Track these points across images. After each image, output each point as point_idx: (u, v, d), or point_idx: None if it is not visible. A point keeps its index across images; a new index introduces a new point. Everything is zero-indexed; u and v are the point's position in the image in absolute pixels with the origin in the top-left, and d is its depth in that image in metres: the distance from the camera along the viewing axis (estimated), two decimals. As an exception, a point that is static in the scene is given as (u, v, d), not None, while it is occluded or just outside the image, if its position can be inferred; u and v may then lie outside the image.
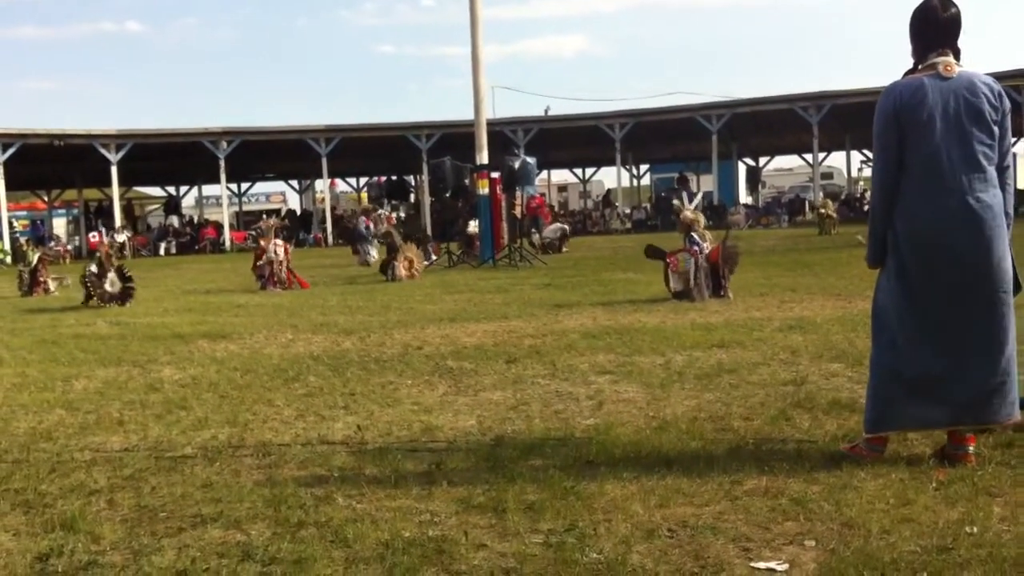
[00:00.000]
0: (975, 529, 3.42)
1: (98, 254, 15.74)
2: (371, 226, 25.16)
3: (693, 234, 12.20)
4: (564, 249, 25.49)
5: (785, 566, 3.20)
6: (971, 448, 4.25)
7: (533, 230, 27.25)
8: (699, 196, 19.08)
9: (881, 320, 4.39)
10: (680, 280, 11.86)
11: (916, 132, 4.21)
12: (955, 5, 4.34)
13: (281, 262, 16.83)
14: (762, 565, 3.22)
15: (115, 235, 34.76)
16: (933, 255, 4.22)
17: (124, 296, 14.87)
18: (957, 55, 4.31)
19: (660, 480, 4.13)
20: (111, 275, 15.00)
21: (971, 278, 4.20)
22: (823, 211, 29.28)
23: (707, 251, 12.00)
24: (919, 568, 3.10)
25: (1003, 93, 4.30)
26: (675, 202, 15.24)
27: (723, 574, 3.17)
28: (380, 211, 39.06)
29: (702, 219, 12.97)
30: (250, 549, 3.54)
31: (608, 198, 48.53)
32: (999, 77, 4.65)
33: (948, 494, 3.81)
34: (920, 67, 4.33)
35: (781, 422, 5.16)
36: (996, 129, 4.24)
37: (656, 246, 12.85)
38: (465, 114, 26.38)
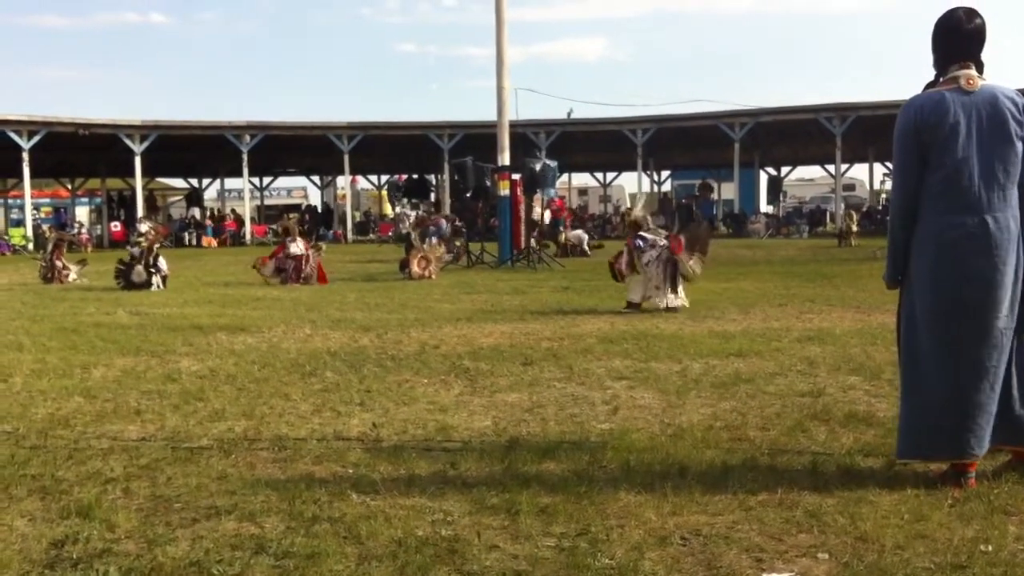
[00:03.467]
0: (990, 547, 3.40)
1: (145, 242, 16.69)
2: (443, 224, 25.67)
3: (642, 234, 11.81)
4: (589, 253, 25.48)
5: (798, 578, 3.19)
6: (972, 474, 4.15)
7: (562, 229, 27.25)
8: (643, 197, 18.82)
9: (910, 340, 4.30)
10: (636, 289, 11.53)
11: (937, 148, 4.12)
12: (980, 16, 4.22)
13: (303, 257, 16.92)
14: (775, 576, 3.21)
15: (137, 226, 34.95)
16: (947, 274, 4.13)
17: (143, 286, 15.96)
18: (980, 68, 4.20)
19: (674, 488, 4.12)
20: (139, 267, 16.01)
21: (977, 302, 4.10)
22: (849, 223, 29.20)
23: (663, 245, 11.57)
24: (933, 585, 3.08)
25: None
26: (626, 206, 15.08)
27: (735, 584, 3.17)
28: (400, 210, 39.17)
29: (649, 219, 12.75)
30: (264, 542, 3.56)
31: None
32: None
33: (963, 511, 3.79)
34: (941, 80, 4.23)
35: (797, 433, 5.15)
36: (1020, 145, 4.14)
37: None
38: (487, 115, 26.40)
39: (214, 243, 39.66)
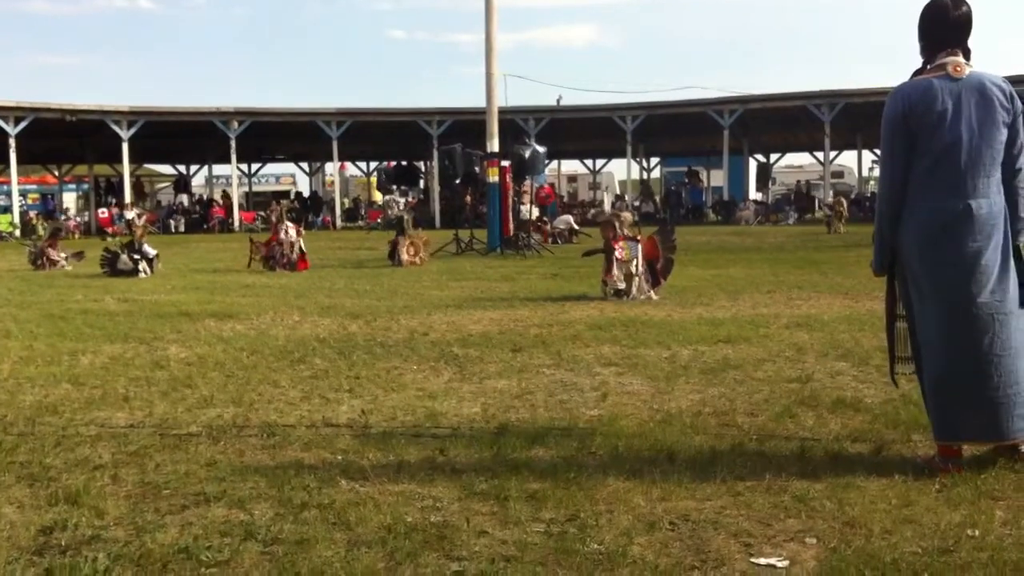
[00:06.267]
0: (977, 532, 3.42)
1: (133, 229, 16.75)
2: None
3: (625, 231, 11.80)
4: (575, 240, 25.48)
5: (786, 563, 3.21)
6: (959, 459, 4.17)
7: (544, 219, 27.24)
8: (607, 194, 18.85)
9: (915, 325, 4.31)
10: (622, 276, 11.37)
11: (925, 135, 4.14)
12: (966, 3, 4.24)
13: (292, 243, 16.89)
14: (763, 561, 3.22)
15: (124, 212, 34.77)
16: (935, 259, 4.15)
17: (129, 274, 15.91)
18: (967, 55, 4.22)
19: (662, 473, 4.13)
20: (123, 256, 16.07)
21: (964, 286, 4.11)
22: (839, 208, 29.21)
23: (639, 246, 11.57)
24: (920, 569, 3.10)
25: (1015, 94, 4.20)
26: (595, 210, 14.79)
27: (723, 569, 3.18)
28: (388, 198, 39.09)
29: (625, 220, 12.59)
30: (253, 529, 3.56)
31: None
32: (1014, 81, 4.59)
33: (951, 496, 3.81)
34: (929, 68, 4.25)
35: (785, 419, 5.16)
36: (1006, 131, 4.17)
37: (592, 248, 12.27)
38: (476, 101, 26.29)
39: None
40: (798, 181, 47.29)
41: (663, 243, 11.77)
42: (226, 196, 44.14)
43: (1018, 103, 4.20)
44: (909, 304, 4.32)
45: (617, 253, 11.51)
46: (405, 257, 17.55)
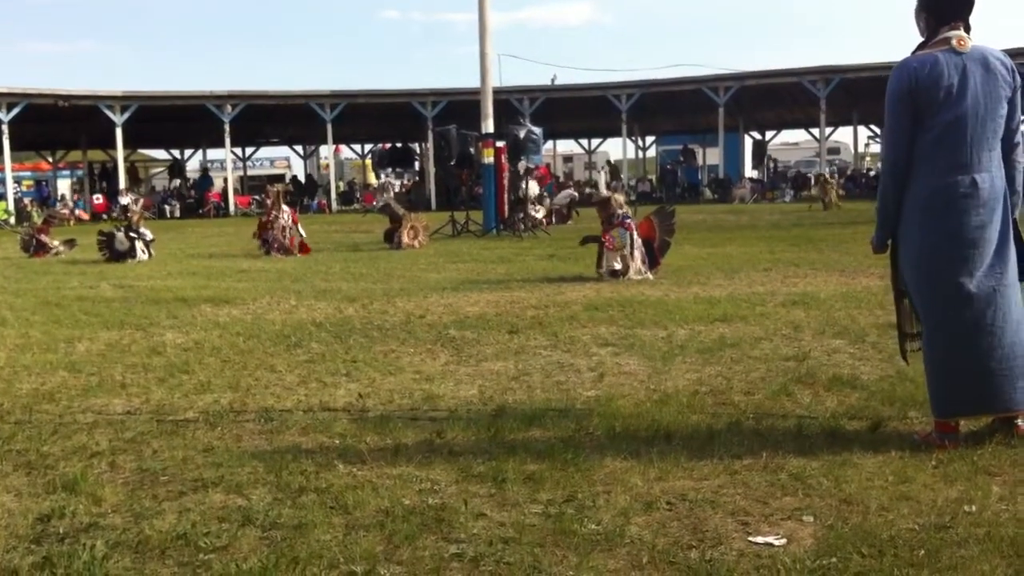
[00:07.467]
0: (974, 508, 3.43)
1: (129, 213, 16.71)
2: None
3: (620, 211, 11.77)
4: (571, 220, 25.40)
5: (783, 541, 3.21)
6: (956, 435, 4.17)
7: (545, 194, 27.18)
8: (603, 175, 18.81)
9: (923, 300, 4.32)
10: (617, 257, 11.33)
11: (931, 109, 4.13)
12: None
13: (284, 227, 16.84)
14: (760, 539, 3.23)
15: (119, 198, 34.69)
16: (938, 234, 4.15)
17: (124, 256, 15.90)
18: (968, 30, 4.22)
19: (660, 453, 4.14)
20: (119, 235, 16.02)
21: (966, 260, 4.11)
22: (827, 188, 29.10)
23: (635, 226, 11.59)
24: (917, 546, 3.11)
25: (1015, 69, 4.21)
26: (591, 190, 14.69)
27: (721, 547, 3.18)
28: (383, 180, 39.01)
29: (620, 199, 12.61)
30: (251, 514, 3.56)
31: (613, 165, 48.44)
32: (1013, 55, 4.59)
33: (947, 472, 3.81)
34: (932, 42, 4.25)
35: (782, 397, 5.17)
36: (1007, 105, 4.17)
37: (590, 235, 12.30)
38: (471, 82, 26.23)
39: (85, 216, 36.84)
40: (765, 158, 46.79)
41: (661, 226, 11.75)
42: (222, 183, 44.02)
43: (1018, 77, 4.21)
44: (911, 279, 4.32)
45: (607, 244, 11.51)
46: (406, 240, 17.51)
